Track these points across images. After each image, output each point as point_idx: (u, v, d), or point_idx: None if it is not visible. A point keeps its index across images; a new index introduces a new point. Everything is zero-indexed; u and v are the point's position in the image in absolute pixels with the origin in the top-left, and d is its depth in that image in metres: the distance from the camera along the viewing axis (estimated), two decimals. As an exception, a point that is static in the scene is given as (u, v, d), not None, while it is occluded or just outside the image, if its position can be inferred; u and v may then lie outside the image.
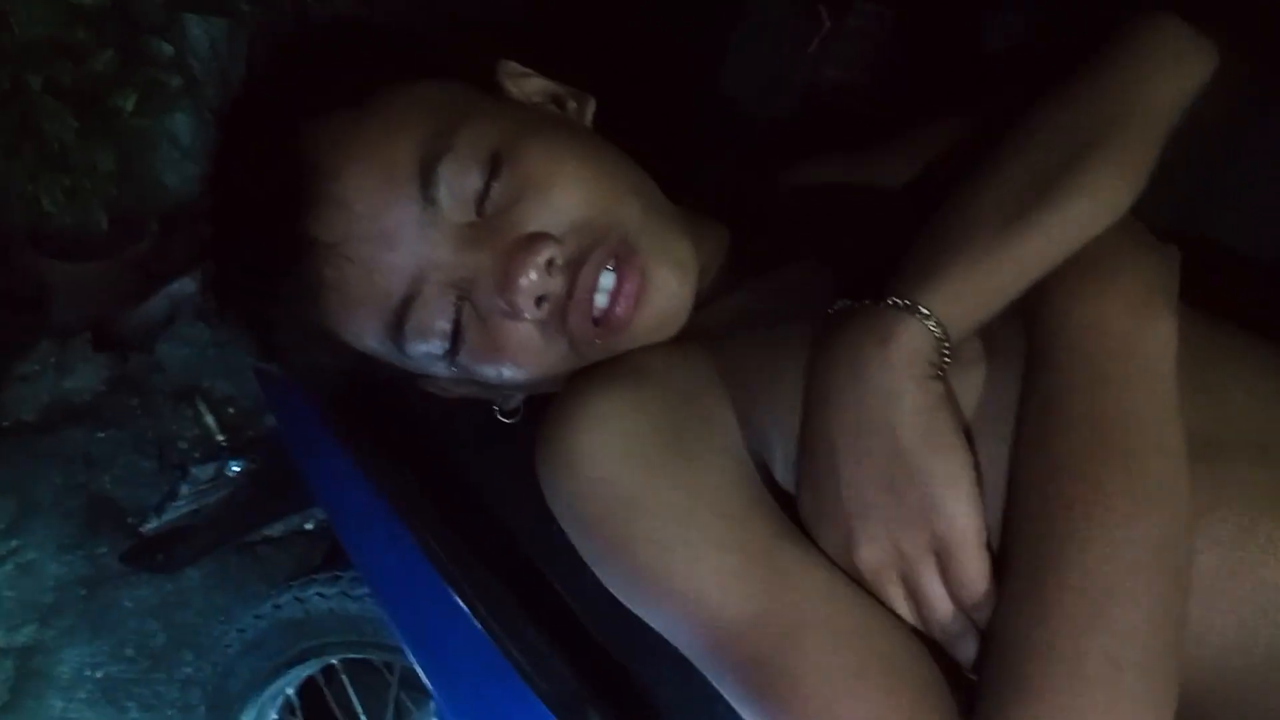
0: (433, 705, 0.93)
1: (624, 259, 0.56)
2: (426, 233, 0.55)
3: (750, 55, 0.89)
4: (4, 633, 1.48)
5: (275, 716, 1.09)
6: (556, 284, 0.55)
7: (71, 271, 1.61)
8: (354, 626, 0.97)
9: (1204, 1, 0.55)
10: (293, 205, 0.55)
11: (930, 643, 0.50)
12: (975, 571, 0.47)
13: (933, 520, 0.47)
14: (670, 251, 0.58)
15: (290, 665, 1.04)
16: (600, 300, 0.56)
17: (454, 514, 0.74)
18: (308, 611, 0.99)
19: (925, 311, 0.48)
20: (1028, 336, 0.50)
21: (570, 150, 0.57)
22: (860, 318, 0.50)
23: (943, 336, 0.48)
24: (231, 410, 1.51)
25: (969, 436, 0.49)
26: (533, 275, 0.54)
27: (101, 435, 1.62)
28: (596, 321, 0.56)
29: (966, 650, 0.48)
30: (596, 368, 0.57)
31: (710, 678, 0.52)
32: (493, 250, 0.55)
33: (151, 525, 0.98)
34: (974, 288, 0.49)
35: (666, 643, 0.53)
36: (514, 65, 0.65)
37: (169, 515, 0.97)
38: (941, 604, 0.48)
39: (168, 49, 1.47)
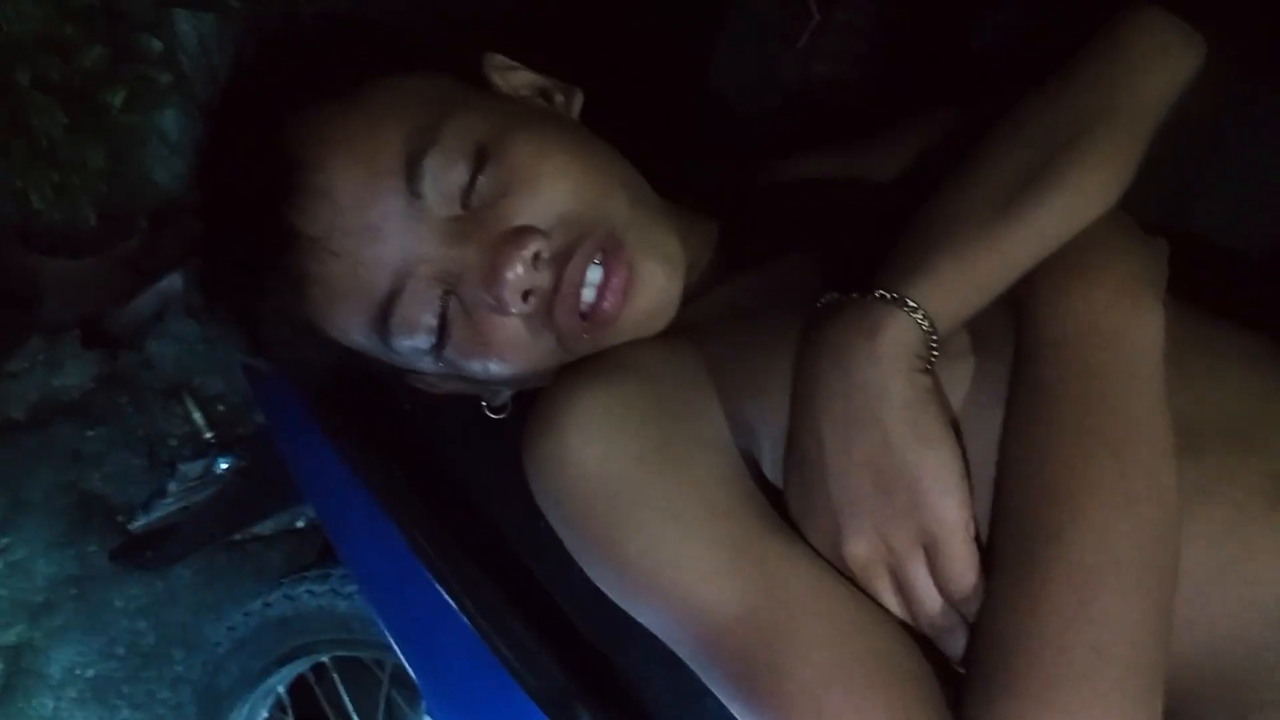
0: (424, 703, 0.93)
1: (611, 253, 0.55)
2: (412, 226, 0.55)
3: (740, 50, 0.89)
4: (-6, 632, 1.47)
5: (266, 715, 1.09)
6: (543, 278, 0.55)
7: (61, 268, 1.61)
8: (344, 624, 0.97)
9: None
10: (277, 199, 0.55)
11: (919, 637, 0.49)
12: (963, 565, 0.47)
13: (920, 514, 0.47)
14: (658, 246, 0.57)
15: (281, 663, 1.04)
16: (587, 295, 0.56)
17: (442, 510, 0.74)
18: (298, 609, 0.98)
19: (913, 304, 0.48)
20: (1016, 329, 0.50)
21: (557, 143, 0.57)
22: (847, 311, 0.49)
23: (930, 330, 0.48)
24: (221, 407, 1.51)
25: (957, 429, 0.49)
26: (519, 269, 0.54)
27: (91, 433, 1.61)
28: (583, 316, 0.56)
29: (955, 644, 0.48)
30: (584, 363, 0.57)
31: (699, 673, 0.52)
32: (479, 244, 0.55)
33: (139, 523, 0.97)
34: (962, 281, 0.49)
35: (655, 638, 0.53)
36: (501, 59, 0.64)
37: (157, 513, 0.97)
38: (929, 598, 0.48)
39: (157, 45, 1.46)
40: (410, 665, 0.77)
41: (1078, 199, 0.51)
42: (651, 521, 0.51)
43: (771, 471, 0.53)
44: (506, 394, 0.65)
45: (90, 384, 1.65)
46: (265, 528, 1.21)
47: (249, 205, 0.57)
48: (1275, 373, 0.52)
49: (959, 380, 0.50)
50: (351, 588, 0.92)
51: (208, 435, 1.10)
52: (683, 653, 0.52)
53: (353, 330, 0.58)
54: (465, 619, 0.69)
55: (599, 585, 0.54)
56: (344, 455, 0.77)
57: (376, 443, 0.77)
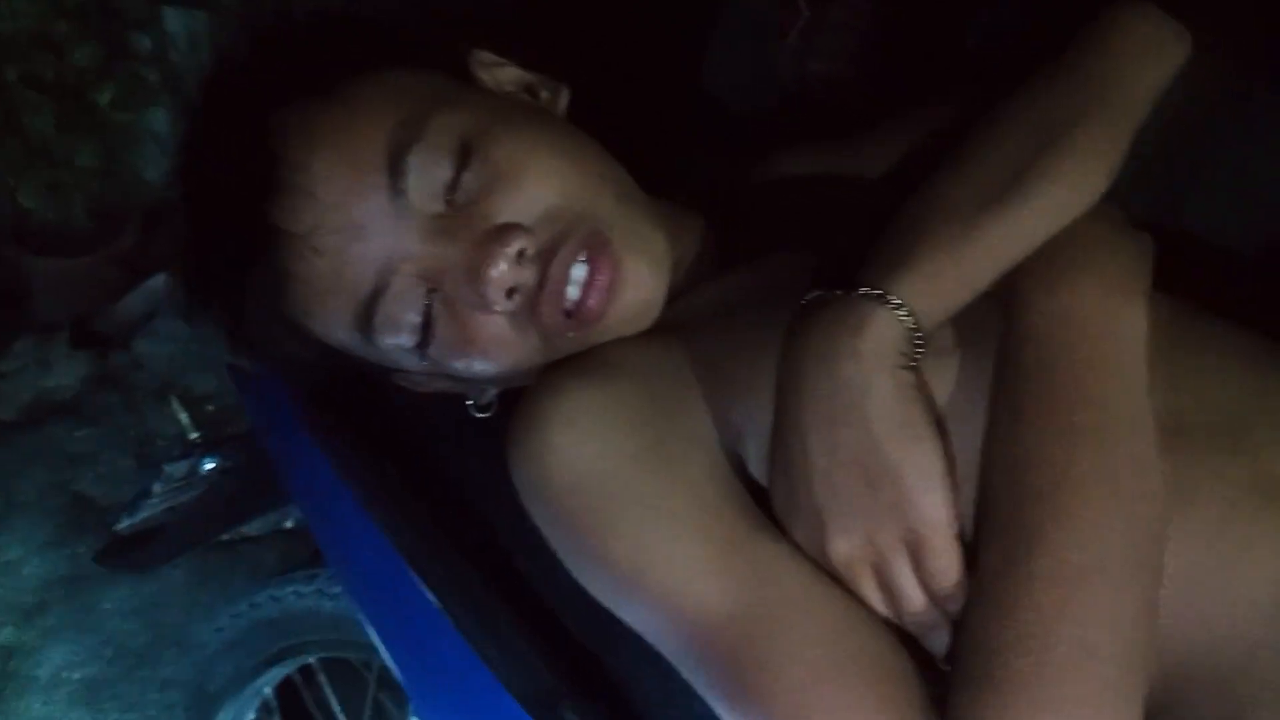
0: (412, 705, 0.92)
1: (596, 250, 0.55)
2: (395, 224, 0.54)
3: (732, 47, 0.89)
4: (-16, 632, 1.47)
5: (253, 716, 1.09)
6: (528, 275, 0.54)
7: (53, 267, 1.60)
8: (332, 625, 0.96)
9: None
10: (260, 197, 0.55)
11: (904, 635, 0.49)
12: (947, 562, 0.47)
13: (904, 511, 0.46)
14: (644, 243, 0.57)
15: (268, 665, 1.03)
16: (572, 292, 0.55)
17: (427, 510, 0.73)
18: (285, 610, 0.98)
19: (896, 301, 0.48)
20: (1001, 324, 0.50)
21: (542, 140, 0.57)
22: (832, 308, 0.49)
23: (915, 326, 0.48)
24: (211, 407, 1.50)
25: (942, 426, 0.49)
26: (503, 266, 0.53)
27: (82, 433, 1.61)
28: (568, 314, 0.55)
29: (940, 642, 0.48)
30: (569, 361, 0.57)
31: (684, 672, 0.51)
32: (463, 241, 0.54)
33: (125, 524, 0.97)
34: (946, 277, 0.49)
35: (643, 639, 0.52)
36: (488, 55, 0.64)
37: (142, 514, 0.96)
38: (914, 596, 0.48)
39: (147, 44, 1.46)
40: (396, 667, 0.77)
41: (1062, 194, 0.50)
42: (637, 520, 0.51)
43: (757, 470, 0.53)
44: (492, 393, 0.64)
45: (81, 384, 1.65)
46: (254, 528, 1.20)
47: (231, 202, 0.56)
48: (1268, 370, 0.52)
49: (944, 376, 0.50)
50: (338, 589, 0.92)
51: (193, 435, 1.10)
52: (668, 652, 0.52)
53: (336, 328, 0.57)
54: (450, 620, 0.69)
55: (584, 584, 0.54)
56: (329, 455, 0.76)
57: (363, 442, 0.77)
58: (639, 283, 0.56)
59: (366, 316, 0.56)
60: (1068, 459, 0.45)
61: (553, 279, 0.54)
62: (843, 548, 0.48)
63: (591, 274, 0.55)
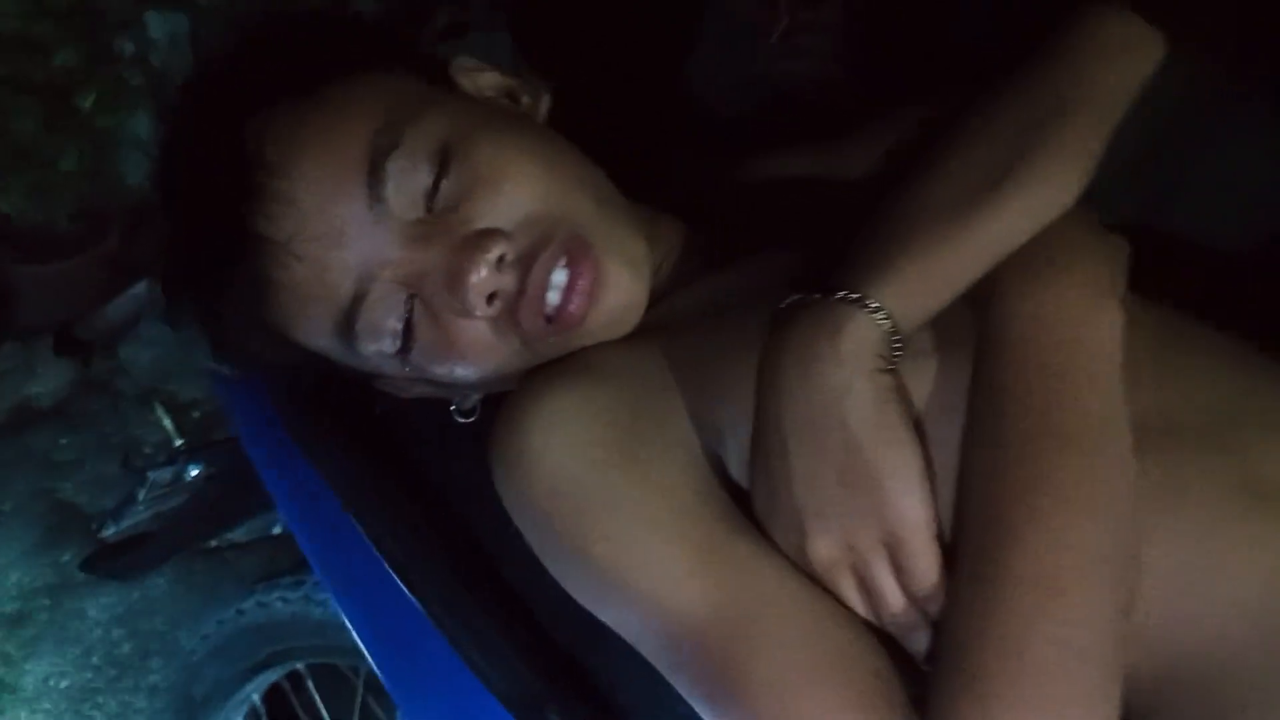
0: (399, 710, 0.92)
1: (576, 255, 0.55)
2: (375, 230, 0.54)
3: (716, 49, 0.89)
4: (-33, 643, 1.46)
5: (241, 723, 1.08)
6: (508, 281, 0.55)
7: (35, 272, 1.59)
8: (318, 631, 0.96)
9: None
10: (239, 202, 0.55)
11: (884, 636, 0.49)
12: (925, 563, 0.47)
13: (883, 513, 0.47)
14: (624, 247, 0.57)
15: (255, 671, 1.03)
16: (552, 297, 0.55)
17: (412, 514, 0.73)
18: (272, 616, 0.98)
19: (874, 304, 0.48)
20: (978, 327, 0.50)
21: (522, 145, 0.57)
22: (810, 312, 0.49)
23: (892, 329, 0.48)
24: (197, 413, 1.50)
25: (920, 428, 0.49)
26: (483, 272, 0.53)
27: (66, 440, 1.60)
28: (549, 319, 0.55)
29: (919, 642, 0.48)
30: (549, 365, 0.57)
31: (666, 674, 0.51)
32: (442, 247, 0.54)
33: (110, 531, 0.96)
34: (923, 280, 0.49)
35: (627, 642, 0.52)
36: (468, 59, 0.64)
37: (127, 520, 0.96)
38: (893, 596, 0.48)
39: (129, 47, 1.45)
40: (382, 672, 0.77)
41: (1037, 197, 0.51)
42: (617, 523, 0.51)
43: (738, 472, 0.53)
44: (475, 397, 0.64)
45: (65, 390, 1.63)
46: (240, 534, 1.20)
47: (211, 208, 0.56)
48: (1256, 370, 0.52)
49: (922, 379, 0.50)
50: (325, 594, 0.92)
51: (178, 442, 1.09)
52: (649, 654, 0.52)
53: (318, 334, 0.57)
54: (434, 624, 0.69)
55: (566, 587, 0.54)
56: (312, 460, 0.76)
57: (346, 447, 0.77)
58: (619, 287, 0.56)
59: (347, 323, 0.56)
60: (1044, 460, 0.46)
61: (533, 284, 0.54)
62: (822, 549, 0.48)
63: (572, 279, 0.55)
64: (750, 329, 0.52)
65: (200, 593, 1.45)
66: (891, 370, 0.48)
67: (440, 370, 0.58)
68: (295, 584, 0.97)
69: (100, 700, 1.43)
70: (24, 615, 1.48)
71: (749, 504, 0.52)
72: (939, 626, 0.47)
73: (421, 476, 0.75)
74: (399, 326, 0.56)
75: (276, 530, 1.24)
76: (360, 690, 1.01)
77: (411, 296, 0.55)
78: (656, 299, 0.59)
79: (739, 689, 0.48)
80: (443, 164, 0.54)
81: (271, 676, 1.05)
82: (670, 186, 0.71)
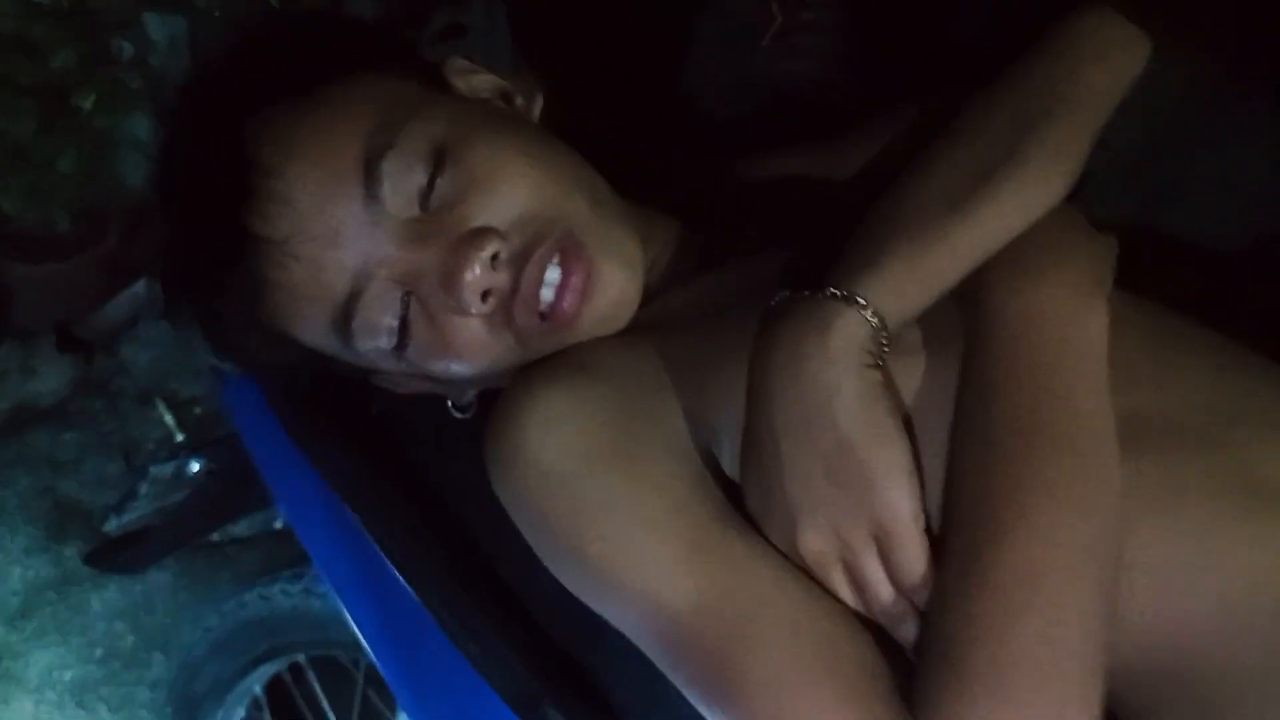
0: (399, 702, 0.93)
1: (570, 253, 0.56)
2: (371, 230, 0.55)
3: (713, 50, 0.90)
4: (-28, 637, 1.47)
5: (243, 714, 1.10)
6: (502, 279, 0.55)
7: (33, 273, 1.60)
8: (319, 624, 0.97)
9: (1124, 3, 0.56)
10: (237, 202, 0.55)
11: (875, 628, 0.50)
12: (914, 556, 0.48)
13: (872, 507, 0.47)
14: (616, 246, 0.58)
15: (257, 663, 1.04)
16: (546, 295, 0.56)
17: (409, 514, 0.74)
18: (273, 609, 0.99)
19: (862, 301, 0.49)
20: (966, 324, 0.51)
21: (515, 146, 0.57)
22: (800, 309, 0.50)
23: (880, 326, 0.49)
24: (198, 410, 1.51)
25: (909, 424, 0.49)
26: (477, 270, 0.54)
27: (67, 438, 1.61)
28: (543, 316, 0.56)
29: (908, 633, 0.49)
30: (544, 362, 0.57)
31: (663, 669, 0.52)
32: (437, 246, 0.55)
33: (112, 525, 0.97)
34: (910, 277, 0.50)
35: (626, 638, 0.53)
36: (462, 61, 0.65)
37: (129, 515, 0.97)
38: (882, 588, 0.48)
39: (128, 49, 1.45)
40: (381, 665, 0.77)
41: (1023, 196, 0.51)
42: (612, 519, 0.52)
43: (731, 468, 0.54)
44: (471, 394, 0.65)
45: (65, 389, 1.64)
46: (242, 529, 1.21)
47: (208, 208, 0.57)
48: (1254, 370, 0.53)
49: (911, 375, 0.51)
50: (325, 587, 0.93)
51: (179, 438, 1.10)
52: (647, 649, 0.53)
53: (315, 332, 0.58)
54: (434, 619, 0.70)
55: (563, 583, 0.55)
56: (311, 457, 0.77)
57: (345, 444, 0.78)
58: (612, 284, 0.57)
59: (344, 320, 0.56)
60: (1032, 457, 0.46)
61: (526, 282, 0.55)
62: (813, 543, 0.49)
63: (565, 277, 0.55)
64: (744, 327, 0.53)
65: (202, 587, 1.46)
66: (880, 366, 0.49)
67: (436, 367, 0.58)
68: (295, 577, 0.98)
69: (104, 692, 1.44)
70: (28, 609, 1.49)
71: (743, 500, 0.53)
72: (926, 618, 0.48)
73: (419, 476, 0.75)
74: (395, 324, 0.56)
75: (278, 525, 1.26)
76: (360, 682, 1.02)
77: (407, 294, 0.56)
78: (650, 297, 0.60)
79: (734, 683, 0.48)
80: (437, 164, 0.55)
81: (273, 668, 1.06)
82: (669, 185, 0.72)
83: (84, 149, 1.48)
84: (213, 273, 0.58)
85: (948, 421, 0.50)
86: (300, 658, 1.04)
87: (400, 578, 0.72)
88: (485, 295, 0.55)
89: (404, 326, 0.57)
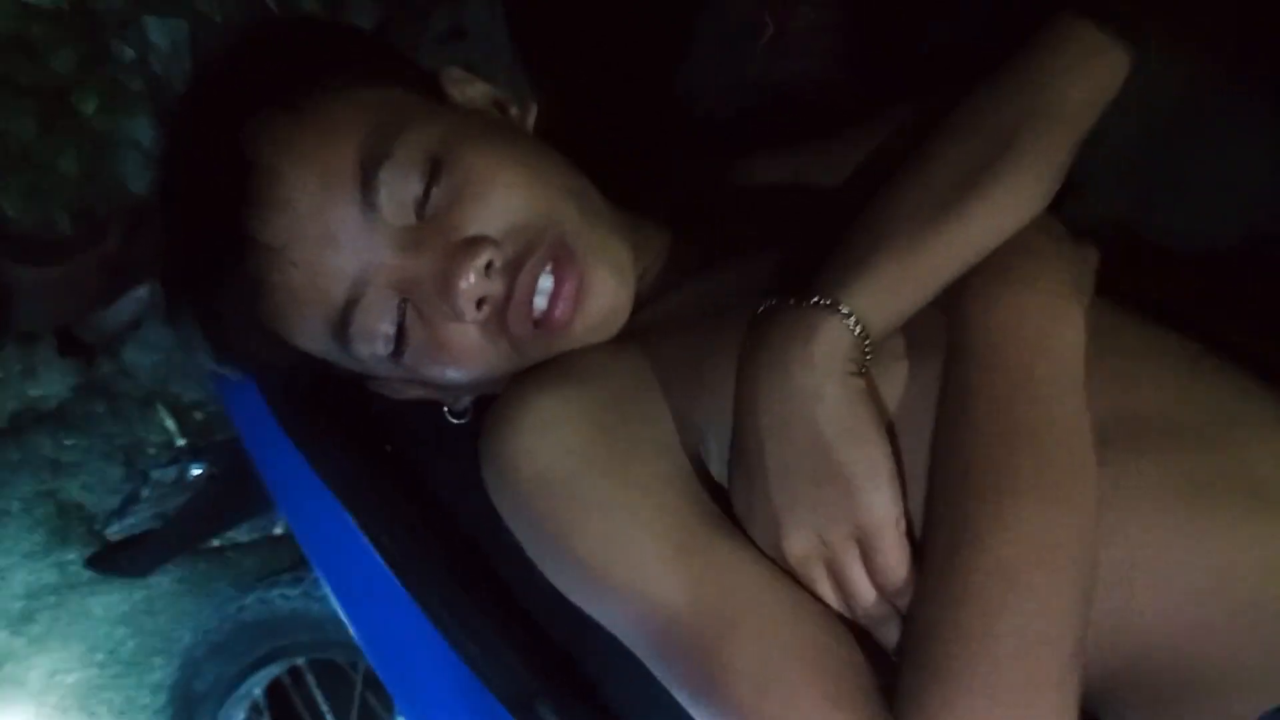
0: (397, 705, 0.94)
1: (562, 261, 0.56)
2: (368, 237, 0.56)
3: (711, 50, 0.90)
4: (-26, 641, 1.48)
5: (243, 717, 1.10)
6: (496, 286, 0.56)
7: (33, 275, 1.60)
8: (318, 627, 0.98)
9: (1120, 3, 0.56)
10: (236, 206, 0.56)
11: (858, 628, 0.51)
12: (895, 558, 0.48)
13: (854, 511, 0.48)
14: (608, 253, 0.59)
15: (256, 667, 1.05)
16: (539, 302, 0.57)
17: (408, 514, 0.74)
18: (272, 613, 0.99)
19: (846, 310, 0.50)
20: (948, 332, 0.52)
21: (509, 155, 0.58)
22: (785, 317, 0.51)
23: (863, 334, 0.50)
24: (199, 414, 1.51)
25: (890, 430, 0.50)
26: (472, 278, 0.55)
27: (69, 442, 1.61)
28: (536, 323, 0.57)
29: (890, 634, 0.50)
30: (538, 368, 0.58)
31: (652, 669, 0.53)
32: (433, 253, 0.56)
33: (114, 529, 0.98)
34: (893, 287, 0.51)
35: (619, 639, 0.54)
36: (457, 71, 0.65)
37: (131, 519, 0.97)
38: (864, 590, 0.49)
39: (129, 52, 1.45)
40: (378, 667, 0.78)
41: (1003, 206, 0.52)
42: (602, 522, 0.53)
43: (719, 472, 0.55)
44: (467, 399, 0.66)
45: (67, 393, 1.65)
46: (243, 534, 1.21)
47: (208, 212, 0.58)
48: (1252, 372, 0.53)
49: (893, 381, 0.52)
50: (324, 591, 0.93)
51: (181, 442, 1.11)
52: (637, 649, 0.53)
53: (312, 337, 0.59)
54: (431, 621, 0.70)
55: (556, 585, 0.56)
56: (310, 459, 0.77)
57: (343, 447, 0.78)
58: (604, 292, 0.58)
59: (341, 326, 0.57)
60: (1011, 460, 0.47)
61: (520, 289, 0.56)
62: (797, 545, 0.50)
63: (558, 284, 0.56)
64: (731, 331, 0.53)
65: (202, 591, 1.47)
66: (863, 373, 0.50)
67: (432, 372, 0.59)
68: (295, 581, 0.98)
69: (105, 695, 1.45)
70: (31, 613, 1.50)
71: (730, 503, 0.53)
72: (906, 618, 0.49)
73: (417, 475, 0.76)
74: (391, 330, 0.57)
75: (278, 530, 1.26)
76: (359, 685, 1.03)
77: (404, 301, 0.57)
78: (641, 304, 0.61)
79: (719, 682, 0.49)
80: (433, 173, 0.56)
81: (272, 672, 1.06)
82: (668, 186, 0.72)
83: (84, 150, 1.48)
84: (212, 273, 0.59)
85: (930, 427, 0.51)
86: (300, 661, 1.04)
87: (397, 580, 0.72)
88: (480, 303, 0.56)
89: (401, 333, 0.57)
